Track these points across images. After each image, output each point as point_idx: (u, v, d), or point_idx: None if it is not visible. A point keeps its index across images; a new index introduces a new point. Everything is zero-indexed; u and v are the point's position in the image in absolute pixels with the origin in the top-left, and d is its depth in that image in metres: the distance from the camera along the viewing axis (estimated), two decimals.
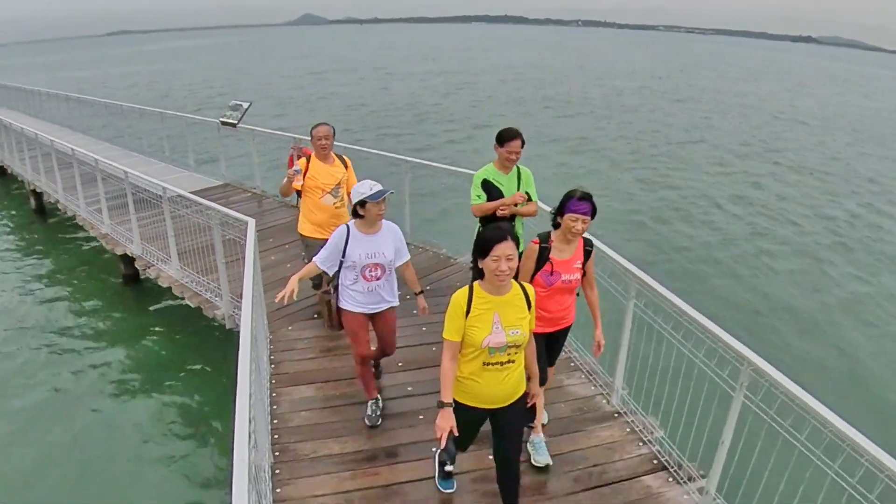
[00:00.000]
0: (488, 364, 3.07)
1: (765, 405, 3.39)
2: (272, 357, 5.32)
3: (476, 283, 3.09)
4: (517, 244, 2.95)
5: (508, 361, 3.09)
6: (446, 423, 3.05)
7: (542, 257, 3.72)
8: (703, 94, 41.60)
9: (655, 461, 4.22)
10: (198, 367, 7.89)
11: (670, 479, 4.05)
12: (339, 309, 4.33)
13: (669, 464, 4.17)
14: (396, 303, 4.47)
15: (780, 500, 3.51)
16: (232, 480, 2.36)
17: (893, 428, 6.81)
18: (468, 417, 3.22)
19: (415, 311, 4.62)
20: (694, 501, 3.87)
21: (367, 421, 4.53)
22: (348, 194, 5.49)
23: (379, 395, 4.65)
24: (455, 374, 3.15)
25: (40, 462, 6.23)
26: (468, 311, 3.02)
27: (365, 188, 4.07)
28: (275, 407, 4.67)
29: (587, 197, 3.61)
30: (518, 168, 4.90)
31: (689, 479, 4.00)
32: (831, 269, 12.30)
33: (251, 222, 5.66)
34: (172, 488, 5.85)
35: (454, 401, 3.13)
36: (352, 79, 48.73)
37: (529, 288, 3.22)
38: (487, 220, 4.74)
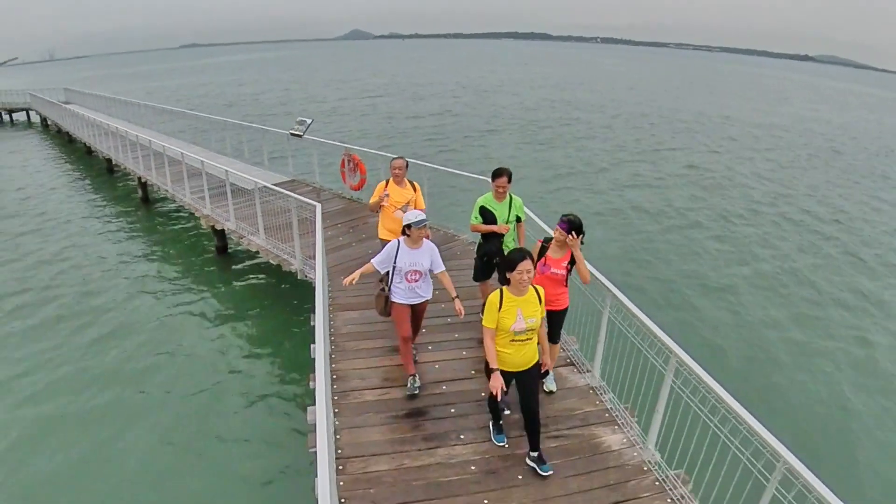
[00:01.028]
0: (514, 341, 4.20)
1: (621, 321, 5.25)
2: (330, 294, 7.31)
3: (504, 288, 4.19)
4: (533, 262, 4.08)
5: (527, 339, 4.25)
6: (497, 382, 4.12)
7: (542, 252, 5.08)
8: (689, 109, 42.39)
9: (568, 360, 6.11)
10: (275, 303, 10.28)
11: (575, 371, 5.95)
12: (391, 302, 5.39)
13: (576, 362, 6.06)
14: (430, 297, 5.52)
15: (623, 376, 5.40)
16: (315, 360, 4.29)
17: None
18: (506, 376, 4.29)
19: (444, 306, 5.96)
20: (586, 382, 5.73)
21: (407, 392, 5.43)
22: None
23: (416, 374, 5.55)
24: (495, 349, 4.25)
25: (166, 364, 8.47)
26: (500, 307, 4.12)
27: (412, 216, 5.12)
28: (332, 321, 6.67)
29: (569, 220, 4.86)
30: (511, 196, 5.99)
31: (588, 370, 5.87)
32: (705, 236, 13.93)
33: (318, 206, 7.74)
34: (263, 366, 8.24)
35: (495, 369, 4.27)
36: (391, 90, 50.88)
37: (541, 289, 4.31)
38: (485, 235, 6.13)
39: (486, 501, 4.24)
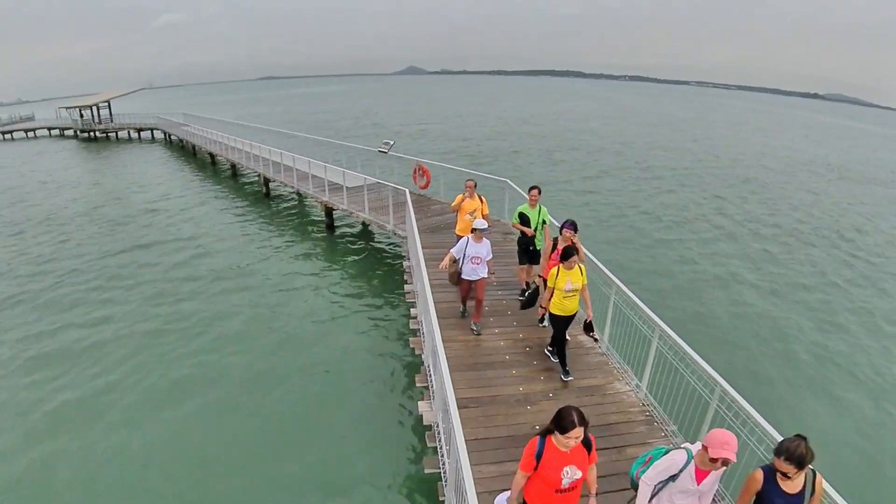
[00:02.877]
0: (564, 297, 6.20)
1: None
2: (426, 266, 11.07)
3: (560, 266, 6.13)
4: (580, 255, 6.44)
5: (572, 296, 6.19)
6: (543, 311, 6.91)
7: (555, 244, 6.99)
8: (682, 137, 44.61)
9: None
10: (369, 254, 14.28)
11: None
12: (461, 277, 7.48)
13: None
14: (486, 276, 7.49)
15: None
16: (425, 290, 8.04)
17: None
18: (559, 318, 6.34)
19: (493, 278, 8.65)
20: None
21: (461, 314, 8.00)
22: (483, 215, 8.97)
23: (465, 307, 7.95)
24: (551, 299, 6.26)
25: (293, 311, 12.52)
26: (557, 276, 6.13)
27: (480, 224, 7.23)
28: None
29: (572, 222, 6.81)
30: (540, 206, 8.15)
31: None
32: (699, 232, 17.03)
33: (407, 190, 11.68)
34: (370, 289, 12.17)
35: (552, 313, 6.32)
36: (442, 118, 55.28)
37: (583, 268, 6.27)
38: (521, 232, 8.19)
39: (507, 357, 6.96)
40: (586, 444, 3.71)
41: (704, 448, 3.55)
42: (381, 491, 6.62)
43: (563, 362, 6.63)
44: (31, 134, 55.73)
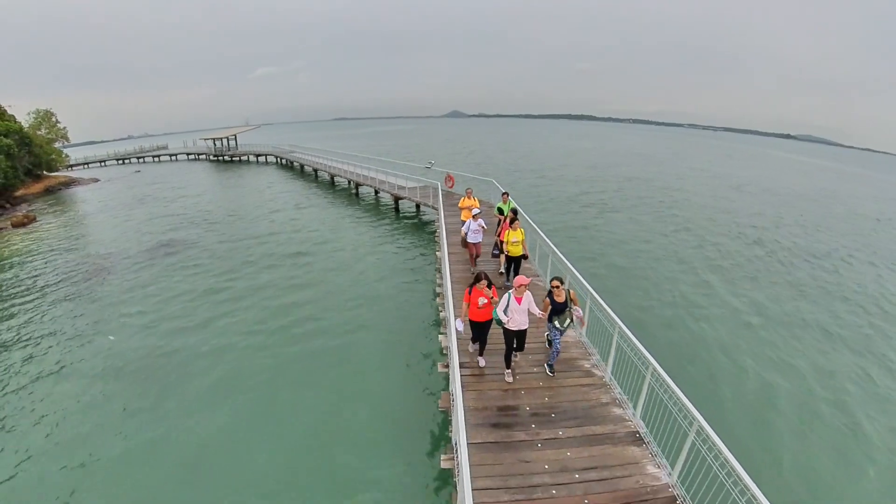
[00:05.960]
0: (510, 245, 9.76)
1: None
2: (445, 219, 18.45)
3: (508, 228, 9.82)
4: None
5: (516, 244, 9.71)
6: (502, 258, 10.50)
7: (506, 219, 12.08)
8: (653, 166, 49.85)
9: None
10: (418, 227, 21.88)
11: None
12: (467, 241, 11.14)
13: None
14: (481, 240, 11.08)
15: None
16: (442, 230, 15.58)
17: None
18: (508, 257, 9.91)
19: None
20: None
21: (472, 272, 10.94)
22: (477, 206, 12.56)
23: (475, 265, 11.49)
24: (505, 248, 9.97)
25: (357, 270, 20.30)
26: (507, 234, 9.79)
27: (476, 211, 11.12)
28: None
29: (513, 209, 12.00)
30: (510, 202, 12.70)
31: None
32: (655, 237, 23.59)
33: (439, 184, 19.48)
34: (414, 242, 19.96)
35: (507, 255, 9.99)
36: (475, 149, 62.27)
37: (522, 230, 9.80)
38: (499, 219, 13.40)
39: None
40: (489, 287, 6.73)
41: (514, 285, 6.46)
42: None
43: (508, 279, 10.40)
44: (173, 158, 66.53)
